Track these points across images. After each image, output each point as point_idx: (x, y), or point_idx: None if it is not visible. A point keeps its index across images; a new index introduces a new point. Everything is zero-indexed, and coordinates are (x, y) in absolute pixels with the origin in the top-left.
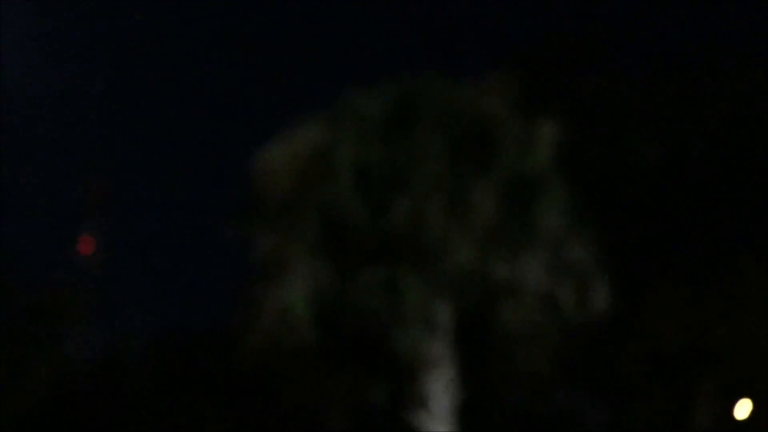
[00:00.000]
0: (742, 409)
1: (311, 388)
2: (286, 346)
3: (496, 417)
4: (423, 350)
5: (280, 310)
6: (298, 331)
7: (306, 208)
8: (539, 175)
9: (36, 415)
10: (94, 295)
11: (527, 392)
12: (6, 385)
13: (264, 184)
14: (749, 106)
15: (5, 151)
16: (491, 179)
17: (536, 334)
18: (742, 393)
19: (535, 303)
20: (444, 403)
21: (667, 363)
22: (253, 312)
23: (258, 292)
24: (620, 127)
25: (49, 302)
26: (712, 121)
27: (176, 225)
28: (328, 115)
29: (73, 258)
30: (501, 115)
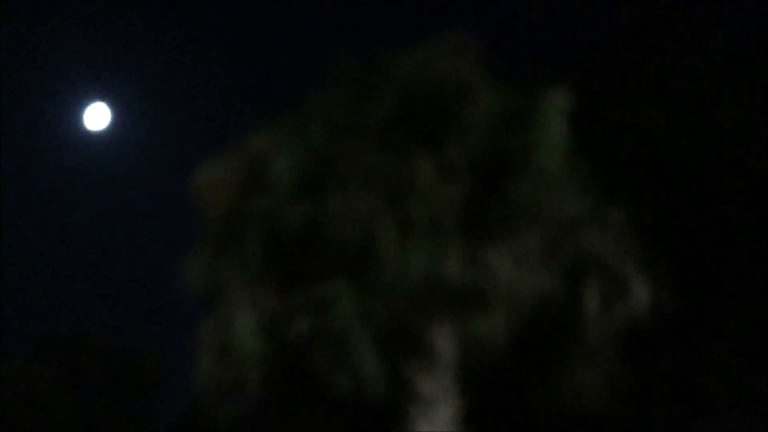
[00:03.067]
0: None
1: None
2: (240, 393)
3: None
4: (409, 384)
5: (226, 350)
6: (250, 373)
7: (244, 226)
8: (535, 153)
9: None
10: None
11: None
12: None
13: (201, 205)
14: None
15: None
16: (456, 162)
17: (564, 349)
18: None
19: (548, 309)
20: None
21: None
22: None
23: (202, 331)
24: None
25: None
26: None
27: None
28: (270, 123)
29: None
30: (468, 82)
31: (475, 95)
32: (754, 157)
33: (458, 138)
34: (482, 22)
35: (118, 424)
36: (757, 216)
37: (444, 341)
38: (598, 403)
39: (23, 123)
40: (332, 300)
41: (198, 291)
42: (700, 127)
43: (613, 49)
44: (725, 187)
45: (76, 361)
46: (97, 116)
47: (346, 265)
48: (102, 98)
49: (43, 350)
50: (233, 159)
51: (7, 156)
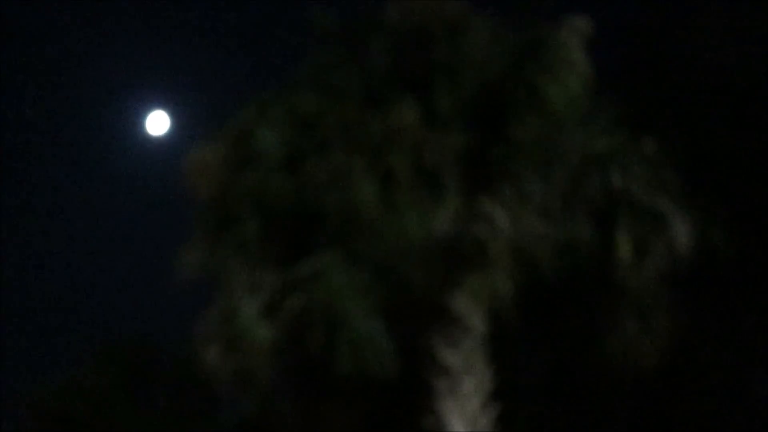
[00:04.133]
0: None
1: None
2: (253, 384)
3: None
4: (431, 357)
5: (232, 340)
6: (260, 362)
7: (237, 205)
8: (545, 87)
9: None
10: None
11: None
12: None
13: (194, 189)
14: None
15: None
16: (447, 108)
17: (602, 305)
18: None
19: (576, 260)
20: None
21: None
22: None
23: (204, 323)
24: None
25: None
26: None
27: None
28: (256, 97)
29: None
30: (455, 20)
31: (466, 34)
32: None
33: (449, 81)
34: None
35: (183, 427)
36: None
37: (462, 306)
38: (651, 362)
39: (88, 128)
40: (322, 273)
41: (197, 281)
42: (748, 45)
43: None
44: None
45: (137, 367)
46: (157, 122)
47: (337, 235)
48: (162, 106)
49: (104, 357)
50: (222, 137)
51: (72, 160)
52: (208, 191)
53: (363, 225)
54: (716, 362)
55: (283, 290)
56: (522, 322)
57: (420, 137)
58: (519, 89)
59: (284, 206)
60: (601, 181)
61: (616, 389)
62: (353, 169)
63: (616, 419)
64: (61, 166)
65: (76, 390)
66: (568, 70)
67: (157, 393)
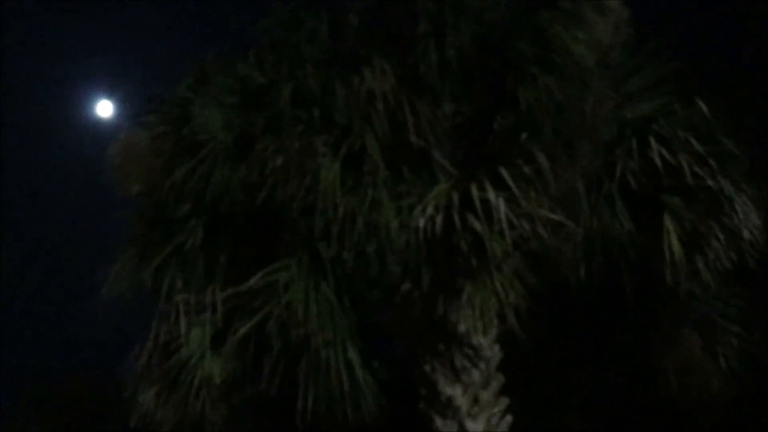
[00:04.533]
0: None
1: None
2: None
3: None
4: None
5: (174, 379)
6: (213, 404)
7: (177, 203)
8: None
9: None
10: None
11: None
12: None
13: (122, 182)
14: None
15: None
16: (433, 71)
17: (652, 317)
18: None
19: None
20: None
21: None
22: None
23: (138, 356)
24: None
25: None
26: None
27: None
28: (197, 69)
29: None
30: None
31: None
32: None
33: (437, 36)
34: None
35: None
36: None
37: (463, 323)
38: (718, 390)
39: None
40: (280, 287)
41: (129, 303)
42: None
43: None
44: None
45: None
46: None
47: (298, 236)
48: (108, 96)
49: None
50: (154, 118)
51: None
52: (137, 186)
53: (330, 222)
54: None
55: (235, 311)
56: (545, 344)
57: (400, 107)
58: (530, 43)
59: (232, 202)
60: (641, 156)
61: (673, 426)
62: (316, 151)
63: None
64: None
65: None
66: (598, 17)
67: None
